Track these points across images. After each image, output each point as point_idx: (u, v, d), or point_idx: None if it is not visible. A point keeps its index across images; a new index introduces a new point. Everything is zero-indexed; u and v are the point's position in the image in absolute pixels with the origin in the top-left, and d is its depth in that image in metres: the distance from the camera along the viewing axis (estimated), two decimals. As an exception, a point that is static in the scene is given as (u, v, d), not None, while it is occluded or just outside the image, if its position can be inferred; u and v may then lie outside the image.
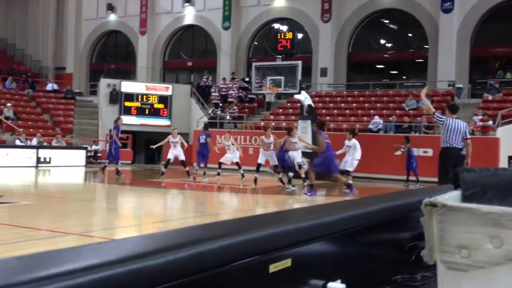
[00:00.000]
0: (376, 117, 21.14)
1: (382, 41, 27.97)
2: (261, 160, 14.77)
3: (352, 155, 14.56)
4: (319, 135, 12.55)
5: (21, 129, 22.33)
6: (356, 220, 2.10)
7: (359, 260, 2.20)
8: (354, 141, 14.59)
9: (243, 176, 15.80)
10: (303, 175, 15.19)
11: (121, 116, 18.67)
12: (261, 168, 15.25)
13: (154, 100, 26.82)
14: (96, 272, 1.09)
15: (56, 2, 34.87)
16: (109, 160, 16.45)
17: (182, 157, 16.21)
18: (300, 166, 15.62)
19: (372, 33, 27.50)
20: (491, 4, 23.60)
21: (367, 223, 2.14)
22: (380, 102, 23.35)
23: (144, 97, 26.73)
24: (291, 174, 13.77)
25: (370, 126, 20.78)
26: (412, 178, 16.14)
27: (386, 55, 27.34)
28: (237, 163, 16.30)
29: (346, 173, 14.43)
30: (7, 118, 23.27)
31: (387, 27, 27.92)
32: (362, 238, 2.17)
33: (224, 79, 27.62)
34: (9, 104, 24.26)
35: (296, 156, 15.41)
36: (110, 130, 17.25)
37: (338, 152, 14.36)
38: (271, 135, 14.78)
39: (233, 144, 16.46)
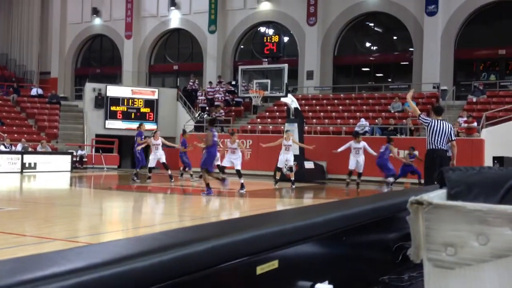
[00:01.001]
0: (362, 119, 21.26)
1: (368, 44, 28.15)
2: (225, 163, 14.67)
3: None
4: (209, 132, 12.69)
5: (6, 135, 22.10)
6: (343, 221, 2.10)
7: (347, 261, 2.20)
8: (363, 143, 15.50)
9: (242, 186, 13.80)
10: (292, 178, 15.31)
11: (143, 123, 18.56)
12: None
13: (140, 104, 26.71)
14: (81, 275, 1.08)
15: (41, 6, 34.61)
16: (139, 165, 16.47)
17: (163, 159, 16.24)
18: (291, 169, 15.69)
19: (358, 36, 27.67)
20: (474, 7, 23.87)
21: (354, 223, 2.15)
22: (366, 105, 23.49)
23: (130, 101, 26.61)
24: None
25: (356, 128, 20.87)
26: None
27: (371, 58, 27.51)
28: (237, 171, 14.30)
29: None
30: (-9, 123, 23.04)
31: (372, 30, 28.11)
32: (349, 239, 2.18)
33: (210, 82, 27.58)
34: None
35: (289, 159, 15.48)
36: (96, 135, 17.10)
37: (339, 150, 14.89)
38: (236, 140, 14.69)
39: (239, 148, 14.86)
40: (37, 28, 34.40)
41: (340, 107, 23.93)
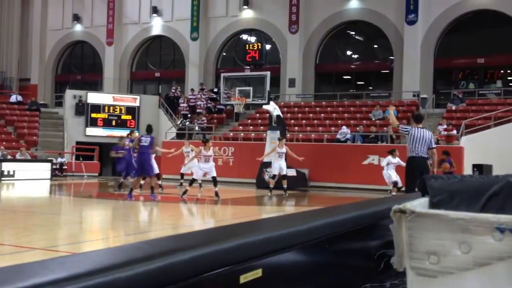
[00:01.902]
0: (344, 127, 21.39)
1: (349, 52, 28.38)
2: (185, 170, 14.55)
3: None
4: (140, 137, 13.03)
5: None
6: (326, 229, 2.10)
7: (329, 268, 2.20)
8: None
9: (217, 194, 13.87)
10: (285, 186, 15.31)
11: (135, 130, 17.92)
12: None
13: (122, 112, 26.52)
14: (63, 286, 1.07)
15: (21, 12, 34.24)
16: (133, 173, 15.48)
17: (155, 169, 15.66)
18: (274, 177, 15.65)
19: (339, 44, 27.88)
20: (453, 16, 24.24)
21: (337, 231, 2.16)
22: (347, 112, 23.65)
23: (111, 108, 26.41)
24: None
25: (338, 136, 21.01)
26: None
27: (352, 66, 27.73)
28: (213, 178, 14.12)
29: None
30: (-32, 130, 22.66)
31: (353, 38, 28.35)
32: (332, 247, 2.18)
33: (192, 90, 27.52)
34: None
35: (283, 167, 15.44)
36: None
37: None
38: (211, 147, 14.36)
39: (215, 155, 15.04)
40: (17, 35, 34.01)
41: (322, 114, 24.05)
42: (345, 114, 23.43)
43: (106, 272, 1.16)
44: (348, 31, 27.77)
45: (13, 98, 28.59)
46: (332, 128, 22.34)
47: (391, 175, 15.48)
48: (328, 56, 27.86)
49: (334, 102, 25.13)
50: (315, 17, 26.94)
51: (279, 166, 15.54)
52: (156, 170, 15.04)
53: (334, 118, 23.42)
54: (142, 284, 1.21)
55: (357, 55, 28.02)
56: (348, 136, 20.84)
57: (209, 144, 14.14)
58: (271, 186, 15.59)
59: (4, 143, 22.97)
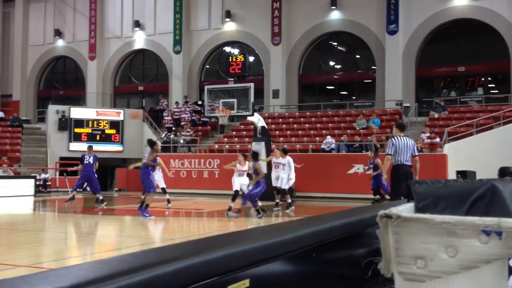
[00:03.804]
0: (328, 137, 21.48)
1: (332, 63, 28.59)
2: (236, 187, 14.02)
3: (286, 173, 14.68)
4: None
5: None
6: (313, 238, 2.09)
7: (317, 278, 2.19)
8: (288, 159, 14.80)
9: (169, 201, 15.03)
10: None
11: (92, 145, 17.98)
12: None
13: (105, 126, 26.35)
14: (46, 301, 1.04)
15: (2, 28, 34.00)
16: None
17: (162, 184, 15.47)
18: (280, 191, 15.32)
19: (321, 55, 28.09)
20: (433, 26, 24.59)
21: (323, 240, 2.15)
22: (332, 122, 23.78)
23: (95, 123, 26.24)
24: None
25: (323, 146, 21.08)
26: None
27: (335, 76, 27.94)
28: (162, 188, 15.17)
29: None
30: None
31: (335, 49, 28.59)
32: (319, 256, 2.17)
33: (176, 102, 27.49)
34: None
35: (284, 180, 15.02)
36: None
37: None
38: (247, 162, 13.63)
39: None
40: (-2, 50, 33.73)
41: (306, 125, 24.15)
42: (329, 124, 23.56)
43: (90, 285, 1.14)
44: (330, 42, 28.01)
45: (-5, 115, 28.29)
46: (317, 138, 22.43)
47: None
48: (311, 67, 28.04)
49: (318, 112, 25.27)
50: (297, 28, 27.15)
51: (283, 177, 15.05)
52: (161, 185, 15.00)
53: (319, 128, 23.53)
54: (127, 297, 1.19)
55: (340, 66, 28.25)
56: (333, 145, 20.93)
57: (244, 158, 13.83)
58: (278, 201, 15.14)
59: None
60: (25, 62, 33.40)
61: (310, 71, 28.06)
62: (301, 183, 19.19)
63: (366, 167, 16.91)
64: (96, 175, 15.95)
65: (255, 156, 12.68)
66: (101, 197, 15.41)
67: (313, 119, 24.68)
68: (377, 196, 15.33)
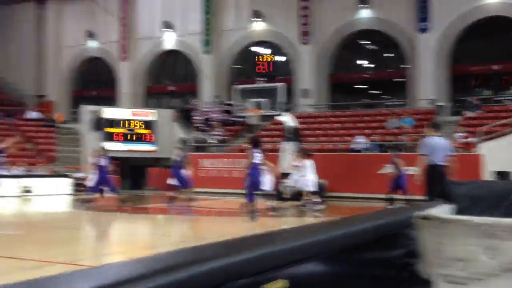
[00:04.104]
0: (358, 136, 21.30)
1: (362, 62, 28.34)
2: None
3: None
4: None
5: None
6: (348, 239, 2.09)
7: (352, 279, 2.18)
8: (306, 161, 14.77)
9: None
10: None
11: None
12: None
13: (139, 126, 26.69)
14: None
15: (36, 30, 34.80)
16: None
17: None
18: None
19: (351, 54, 27.88)
20: (466, 24, 24.13)
21: (359, 241, 2.13)
22: (362, 122, 23.57)
23: (127, 122, 26.60)
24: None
25: (353, 145, 20.91)
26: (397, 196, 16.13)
27: (366, 75, 27.68)
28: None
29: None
30: (-12, 147, 22.95)
31: (366, 47, 28.32)
32: (354, 257, 2.16)
33: (206, 102, 27.68)
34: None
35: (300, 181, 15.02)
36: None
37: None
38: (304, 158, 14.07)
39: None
40: (33, 52, 34.55)
41: (337, 124, 24.00)
42: (360, 124, 23.35)
43: (128, 284, 1.17)
44: (360, 41, 27.77)
45: (30, 115, 28.98)
46: (347, 138, 22.26)
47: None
48: (341, 66, 27.86)
49: (348, 112, 25.07)
50: (327, 27, 26.99)
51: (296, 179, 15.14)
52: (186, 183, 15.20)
53: (349, 128, 23.35)
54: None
55: (370, 64, 27.96)
56: (364, 145, 20.74)
57: (300, 155, 14.04)
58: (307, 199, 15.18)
59: (23, 159, 23.21)
60: (59, 63, 34.12)
61: (340, 70, 27.87)
62: (331, 183, 19.09)
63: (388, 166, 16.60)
64: (109, 175, 16.19)
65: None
66: (116, 196, 15.67)
67: (343, 118, 24.51)
68: (389, 196, 15.10)
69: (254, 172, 11.00)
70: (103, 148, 16.14)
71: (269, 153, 21.53)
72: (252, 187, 11.02)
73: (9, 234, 9.88)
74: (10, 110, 28.85)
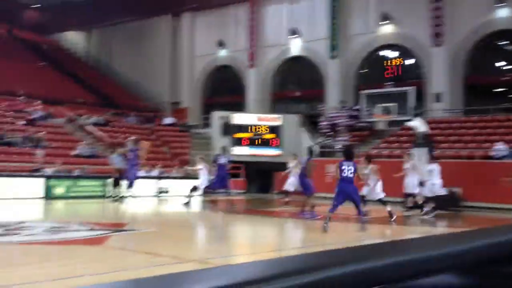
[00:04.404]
0: (499, 143, 19.82)
1: (501, 63, 26.39)
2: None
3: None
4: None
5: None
6: (490, 250, 1.95)
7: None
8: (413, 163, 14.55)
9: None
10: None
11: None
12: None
13: (265, 131, 27.34)
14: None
15: (172, 42, 37.16)
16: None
17: (293, 187, 16.17)
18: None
19: (489, 55, 26.09)
20: None
21: (501, 253, 1.98)
22: (502, 127, 21.90)
23: (254, 128, 27.35)
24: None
25: (493, 153, 19.51)
26: None
27: (505, 78, 25.71)
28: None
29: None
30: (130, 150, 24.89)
31: (504, 48, 26.33)
32: (497, 270, 2.01)
33: (333, 107, 27.56)
34: (132, 138, 25.95)
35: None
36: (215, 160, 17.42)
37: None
38: (368, 164, 13.40)
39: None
40: (169, 62, 36.94)
41: (473, 130, 22.58)
42: (499, 130, 21.73)
43: (262, 283, 1.19)
44: (497, 41, 25.89)
45: (167, 121, 30.98)
46: (485, 144, 20.84)
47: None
48: (478, 68, 26.19)
49: (487, 117, 23.44)
50: (461, 28, 25.56)
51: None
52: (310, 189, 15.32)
53: (487, 133, 21.84)
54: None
55: (510, 66, 25.92)
56: (505, 153, 19.24)
57: (365, 161, 13.75)
58: (425, 207, 14.72)
59: (160, 161, 24.83)
60: (192, 72, 36.08)
61: (477, 72, 26.20)
62: (467, 192, 18.01)
63: None
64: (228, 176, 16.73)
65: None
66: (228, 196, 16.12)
67: (480, 124, 22.98)
68: None
69: (341, 188, 10.46)
70: (224, 148, 16.83)
71: (397, 160, 20.92)
72: (336, 199, 10.56)
73: (147, 231, 10.61)
74: (149, 116, 31.04)
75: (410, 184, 14.74)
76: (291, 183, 16.26)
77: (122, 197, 17.56)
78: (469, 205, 17.78)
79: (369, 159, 14.04)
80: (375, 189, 13.22)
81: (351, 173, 9.69)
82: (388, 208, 12.60)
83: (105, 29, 40.86)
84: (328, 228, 10.22)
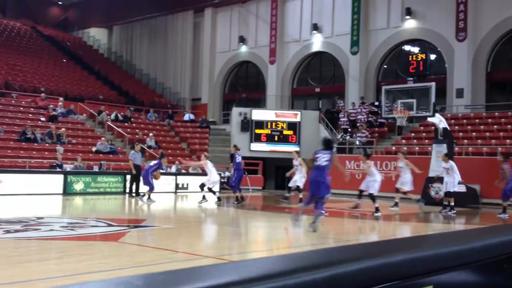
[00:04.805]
0: (521, 139, 19.53)
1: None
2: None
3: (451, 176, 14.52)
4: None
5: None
6: (505, 247, 1.93)
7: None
8: (451, 163, 14.64)
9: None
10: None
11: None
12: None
13: (283, 127, 27.31)
14: (237, 289, 1.12)
15: (193, 38, 37.26)
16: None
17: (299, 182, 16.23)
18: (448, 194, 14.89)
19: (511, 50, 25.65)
20: None
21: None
22: (525, 124, 21.56)
23: (273, 124, 27.34)
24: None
25: (514, 149, 19.22)
26: None
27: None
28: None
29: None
30: (149, 147, 25.11)
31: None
32: (511, 267, 1.99)
33: (353, 103, 27.38)
34: (151, 134, 26.19)
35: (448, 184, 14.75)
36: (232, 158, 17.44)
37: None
38: (403, 159, 14.46)
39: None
40: (189, 58, 37.06)
41: (495, 126, 22.24)
42: (523, 126, 21.39)
43: (276, 278, 1.20)
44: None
45: (186, 117, 31.12)
46: (507, 140, 20.53)
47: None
48: (501, 64, 25.76)
49: (509, 113, 23.08)
50: (485, 22, 25.15)
51: (445, 183, 14.88)
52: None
53: (510, 130, 21.51)
54: (309, 292, 1.22)
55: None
56: (526, 149, 18.95)
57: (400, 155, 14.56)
58: (446, 203, 14.86)
59: (179, 158, 24.98)
60: (212, 68, 36.14)
61: (501, 67, 25.78)
62: (488, 189, 17.79)
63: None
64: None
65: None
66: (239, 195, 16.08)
67: (503, 119, 22.64)
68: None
69: (312, 177, 10.17)
70: (235, 146, 16.85)
71: (419, 156, 20.74)
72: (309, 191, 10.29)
73: (165, 227, 10.69)
74: (169, 113, 31.22)
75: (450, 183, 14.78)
76: (298, 179, 16.21)
77: (139, 193, 17.67)
78: (488, 202, 17.56)
79: (367, 155, 14.52)
80: (373, 184, 13.56)
81: (324, 161, 9.55)
82: (376, 204, 13.26)
83: (126, 26, 41.18)
84: (299, 219, 10.17)
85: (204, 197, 15.83)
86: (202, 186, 15.98)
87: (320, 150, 9.87)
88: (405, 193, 15.32)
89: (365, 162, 14.32)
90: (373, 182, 13.81)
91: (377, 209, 13.28)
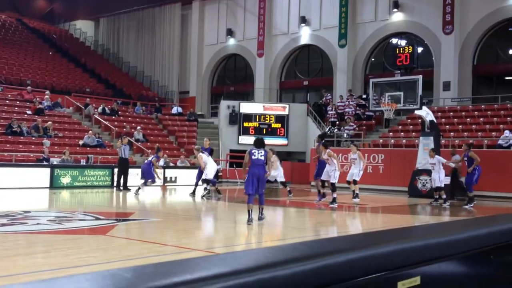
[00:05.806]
0: (507, 131, 19.72)
1: (510, 52, 26.13)
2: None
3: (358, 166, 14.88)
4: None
5: (150, 151, 23.81)
6: (492, 238, 1.95)
7: (494, 281, 2.04)
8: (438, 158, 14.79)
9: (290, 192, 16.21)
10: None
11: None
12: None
13: (271, 120, 27.33)
14: (226, 281, 1.11)
15: (180, 31, 37.07)
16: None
17: (279, 178, 16.39)
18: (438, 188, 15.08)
19: (500, 43, 25.84)
20: None
21: (504, 241, 1.98)
22: (510, 116, 21.76)
23: (262, 117, 27.35)
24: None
25: (500, 141, 19.41)
26: None
27: (515, 66, 25.49)
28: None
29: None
30: (137, 140, 24.99)
31: (513, 36, 26.08)
32: (499, 258, 2.01)
33: (341, 96, 27.45)
34: (138, 127, 26.06)
35: (436, 179, 14.94)
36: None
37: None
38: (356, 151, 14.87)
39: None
40: (177, 51, 36.88)
41: (481, 119, 22.45)
42: (508, 118, 21.60)
43: (265, 269, 1.20)
44: (509, 29, 25.62)
45: (174, 110, 31.00)
46: (493, 133, 20.73)
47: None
48: (487, 57, 25.96)
49: (495, 106, 23.29)
50: (472, 15, 25.31)
51: (434, 177, 15.02)
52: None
53: (495, 122, 21.72)
54: (298, 283, 1.22)
55: (521, 54, 25.67)
56: (512, 141, 19.15)
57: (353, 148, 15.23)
58: (437, 196, 15.10)
59: (167, 151, 24.90)
60: (200, 61, 36.01)
61: (486, 61, 25.98)
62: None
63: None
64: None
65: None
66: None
67: (489, 112, 22.85)
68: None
69: (252, 172, 10.15)
70: (207, 140, 17.12)
71: (406, 149, 20.88)
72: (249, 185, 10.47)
73: (153, 220, 10.67)
74: (157, 106, 31.07)
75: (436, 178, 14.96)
76: (277, 175, 16.29)
77: (127, 187, 17.63)
78: (476, 195, 17.73)
79: (325, 145, 14.63)
80: (333, 173, 13.93)
81: (261, 156, 9.73)
82: (335, 195, 13.60)
83: (113, 18, 40.85)
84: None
85: (206, 189, 15.84)
86: (204, 180, 16.00)
87: (254, 148, 10.08)
88: (349, 183, 15.30)
89: (326, 152, 14.28)
90: (334, 171, 13.86)
91: (334, 200, 13.36)
